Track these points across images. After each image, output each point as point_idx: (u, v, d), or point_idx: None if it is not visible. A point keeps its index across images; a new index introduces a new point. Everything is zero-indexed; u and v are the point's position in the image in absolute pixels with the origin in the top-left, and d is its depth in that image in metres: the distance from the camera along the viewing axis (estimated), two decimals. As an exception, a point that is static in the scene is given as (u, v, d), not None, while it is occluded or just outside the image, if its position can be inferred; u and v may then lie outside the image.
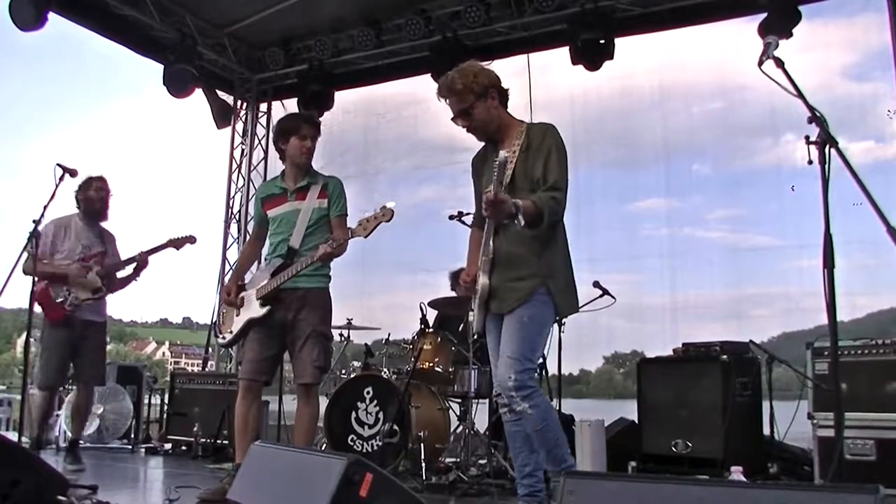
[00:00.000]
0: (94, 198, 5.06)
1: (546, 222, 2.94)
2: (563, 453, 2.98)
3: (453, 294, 5.86)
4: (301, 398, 3.96)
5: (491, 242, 3.07)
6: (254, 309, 3.92)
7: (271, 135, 4.26)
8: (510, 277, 3.04)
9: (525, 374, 2.95)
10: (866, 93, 6.06)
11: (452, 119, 3.24)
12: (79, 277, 4.92)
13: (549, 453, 2.96)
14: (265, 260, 4.22)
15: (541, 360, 5.32)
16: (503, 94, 3.21)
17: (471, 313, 3.27)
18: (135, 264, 5.07)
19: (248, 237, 8.50)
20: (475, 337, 3.27)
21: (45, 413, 5.15)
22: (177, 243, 5.06)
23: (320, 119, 5.08)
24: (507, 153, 2.95)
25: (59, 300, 4.88)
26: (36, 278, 4.68)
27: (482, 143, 3.44)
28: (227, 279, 8.42)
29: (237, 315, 4.02)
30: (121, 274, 5.13)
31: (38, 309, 4.79)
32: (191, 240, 5.10)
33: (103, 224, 5.23)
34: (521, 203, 2.87)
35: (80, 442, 5.34)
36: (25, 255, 4.49)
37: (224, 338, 4.12)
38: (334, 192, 3.99)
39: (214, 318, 8.13)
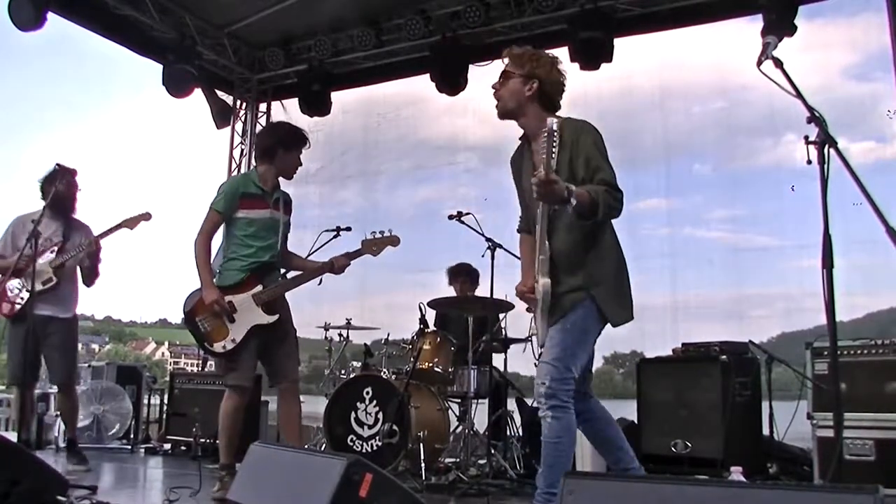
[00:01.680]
0: (60, 191, 4.85)
1: (601, 215, 2.81)
2: (557, 479, 2.82)
3: (452, 293, 5.88)
4: (290, 397, 3.95)
5: (547, 242, 2.95)
6: (258, 315, 3.84)
7: (270, 133, 4.20)
8: (561, 287, 2.94)
9: (561, 384, 2.85)
10: (867, 93, 6.07)
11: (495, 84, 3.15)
12: (25, 268, 4.64)
13: (548, 469, 2.86)
14: (232, 259, 3.96)
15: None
16: (546, 94, 3.09)
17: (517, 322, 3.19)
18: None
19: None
20: (542, 351, 3.05)
21: (23, 411, 4.95)
22: (130, 223, 4.83)
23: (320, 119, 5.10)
24: (555, 120, 2.80)
25: (10, 294, 4.80)
26: None
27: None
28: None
29: (231, 322, 3.83)
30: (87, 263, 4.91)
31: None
32: (145, 217, 4.87)
33: (75, 216, 5.05)
34: (573, 188, 2.74)
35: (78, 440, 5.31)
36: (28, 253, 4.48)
37: (224, 346, 3.84)
38: (291, 210, 4.09)
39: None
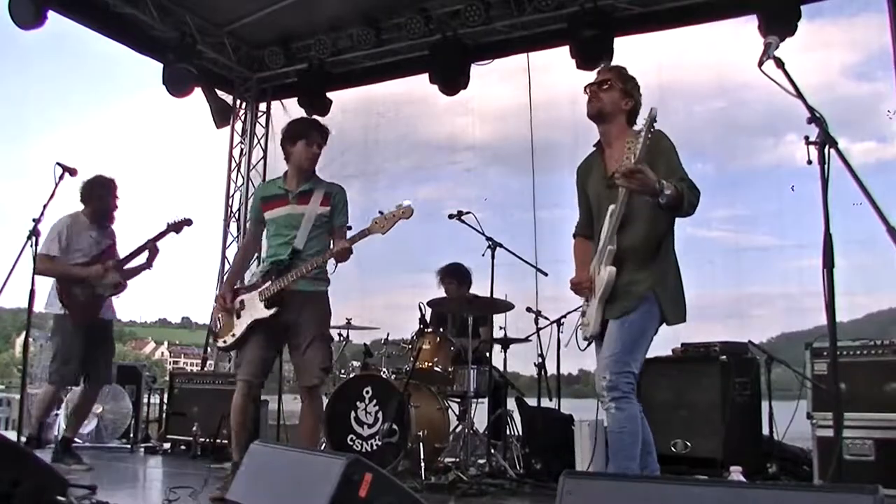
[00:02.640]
0: (112, 206, 5.16)
1: (685, 209, 2.96)
2: (626, 465, 2.93)
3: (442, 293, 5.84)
4: (306, 400, 3.98)
5: (616, 234, 3.04)
6: (258, 310, 3.90)
7: (279, 135, 4.23)
8: (625, 281, 3.03)
9: (621, 376, 2.95)
10: (868, 93, 6.07)
11: (592, 84, 3.30)
12: (99, 278, 4.97)
13: (612, 457, 2.97)
14: (263, 261, 4.20)
15: (540, 360, 5.34)
16: (633, 115, 3.29)
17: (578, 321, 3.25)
18: (146, 252, 5.11)
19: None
20: (592, 339, 3.20)
21: (49, 409, 5.18)
22: (176, 227, 5.08)
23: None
24: (656, 109, 2.97)
25: (83, 300, 4.97)
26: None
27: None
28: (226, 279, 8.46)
29: (238, 318, 3.98)
30: (132, 265, 5.16)
31: (37, 308, 4.78)
32: (188, 222, 5.11)
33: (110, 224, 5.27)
34: (664, 181, 2.87)
35: (79, 441, 5.34)
36: (30, 252, 4.49)
37: (225, 341, 4.04)
38: (339, 202, 4.02)
39: (211, 324, 8.17)
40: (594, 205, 3.28)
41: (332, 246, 3.93)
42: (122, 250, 5.21)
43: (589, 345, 3.26)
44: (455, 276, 5.79)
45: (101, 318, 5.07)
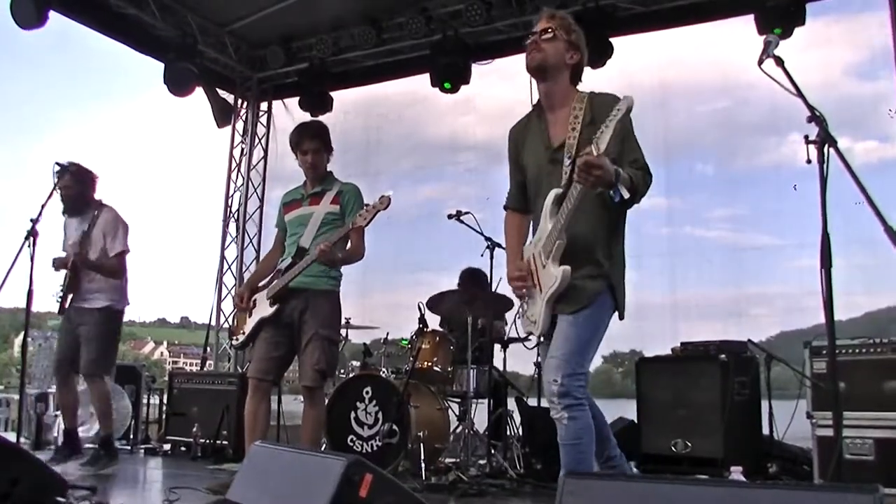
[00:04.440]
0: (62, 192, 5.00)
1: (637, 201, 2.68)
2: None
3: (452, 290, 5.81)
4: (305, 400, 3.99)
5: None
6: (264, 308, 3.98)
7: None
8: (578, 276, 2.67)
9: (573, 379, 2.63)
10: (870, 92, 6.05)
11: (531, 33, 2.89)
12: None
13: (574, 470, 2.62)
14: (281, 263, 4.19)
15: (540, 360, 5.33)
16: (579, 70, 2.91)
17: (519, 313, 2.93)
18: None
19: (246, 236, 8.57)
20: (541, 340, 2.85)
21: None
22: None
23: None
24: (632, 98, 2.53)
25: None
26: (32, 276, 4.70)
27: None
28: (225, 279, 8.47)
29: (249, 317, 4.07)
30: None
31: (35, 308, 4.78)
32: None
33: (95, 210, 5.06)
34: (621, 172, 2.54)
35: (112, 437, 5.07)
36: (28, 252, 4.50)
37: (237, 339, 4.17)
38: (349, 200, 4.04)
39: (213, 321, 8.19)
40: (531, 177, 2.93)
41: (348, 245, 3.97)
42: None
43: (538, 344, 2.94)
44: (474, 281, 5.69)
45: (76, 307, 4.93)
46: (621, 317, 2.82)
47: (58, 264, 4.98)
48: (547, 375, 2.71)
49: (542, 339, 2.86)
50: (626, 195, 2.55)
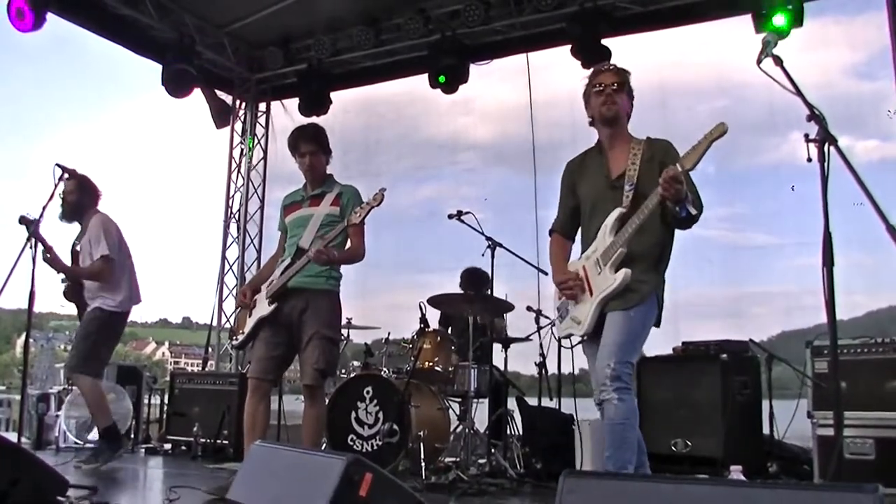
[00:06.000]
0: (63, 197, 5.06)
1: (696, 221, 3.00)
2: (628, 458, 2.92)
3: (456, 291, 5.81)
4: (306, 399, 3.99)
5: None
6: (263, 307, 3.99)
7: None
8: (635, 279, 2.99)
9: (624, 365, 2.90)
10: (872, 91, 6.05)
11: (608, 85, 3.19)
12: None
13: (616, 451, 2.91)
14: (281, 264, 4.21)
15: (541, 360, 5.34)
16: (630, 114, 3.32)
17: (559, 316, 3.24)
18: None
19: (247, 236, 8.58)
20: (583, 339, 3.15)
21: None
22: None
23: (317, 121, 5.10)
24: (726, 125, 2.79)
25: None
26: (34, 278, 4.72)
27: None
28: (226, 279, 8.48)
29: (249, 316, 4.08)
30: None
31: (37, 309, 4.79)
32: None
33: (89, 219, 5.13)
34: (690, 194, 2.87)
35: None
36: (29, 254, 4.52)
37: (237, 338, 4.18)
38: (349, 201, 4.03)
39: (215, 321, 8.20)
40: (586, 204, 3.25)
41: (348, 245, 3.98)
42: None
43: (578, 343, 3.22)
44: (475, 283, 5.68)
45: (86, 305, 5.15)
46: (658, 324, 3.12)
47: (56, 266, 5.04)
48: (601, 361, 2.94)
49: (584, 337, 3.14)
50: (693, 211, 2.90)
